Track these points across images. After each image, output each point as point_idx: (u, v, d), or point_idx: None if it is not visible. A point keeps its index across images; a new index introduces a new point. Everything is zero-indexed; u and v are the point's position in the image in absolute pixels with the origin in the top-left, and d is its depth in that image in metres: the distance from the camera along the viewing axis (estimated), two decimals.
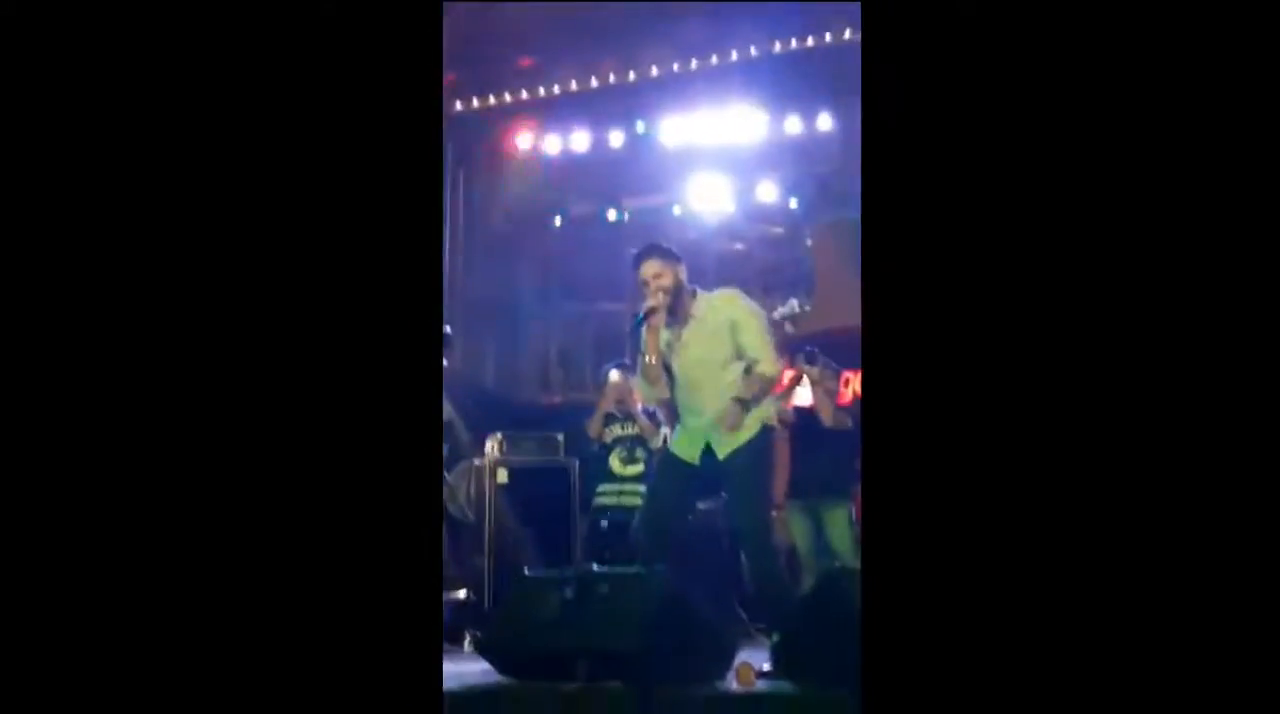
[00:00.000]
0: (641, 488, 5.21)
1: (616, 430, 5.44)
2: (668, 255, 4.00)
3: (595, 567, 3.90)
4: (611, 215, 8.60)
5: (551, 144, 8.04)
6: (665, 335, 3.97)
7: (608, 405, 5.49)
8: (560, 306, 8.82)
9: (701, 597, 3.73)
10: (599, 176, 8.12)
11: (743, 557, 4.58)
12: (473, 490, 6.16)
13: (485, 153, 8.27)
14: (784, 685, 3.41)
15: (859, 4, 2.32)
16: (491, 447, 5.97)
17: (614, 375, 5.43)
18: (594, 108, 7.83)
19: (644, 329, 3.90)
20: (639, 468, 5.38)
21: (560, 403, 7.95)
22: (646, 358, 3.93)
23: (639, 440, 5.39)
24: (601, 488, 5.48)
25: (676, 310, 3.93)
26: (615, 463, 5.45)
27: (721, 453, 3.87)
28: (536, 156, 8.10)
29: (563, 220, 8.57)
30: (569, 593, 3.51)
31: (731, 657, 3.54)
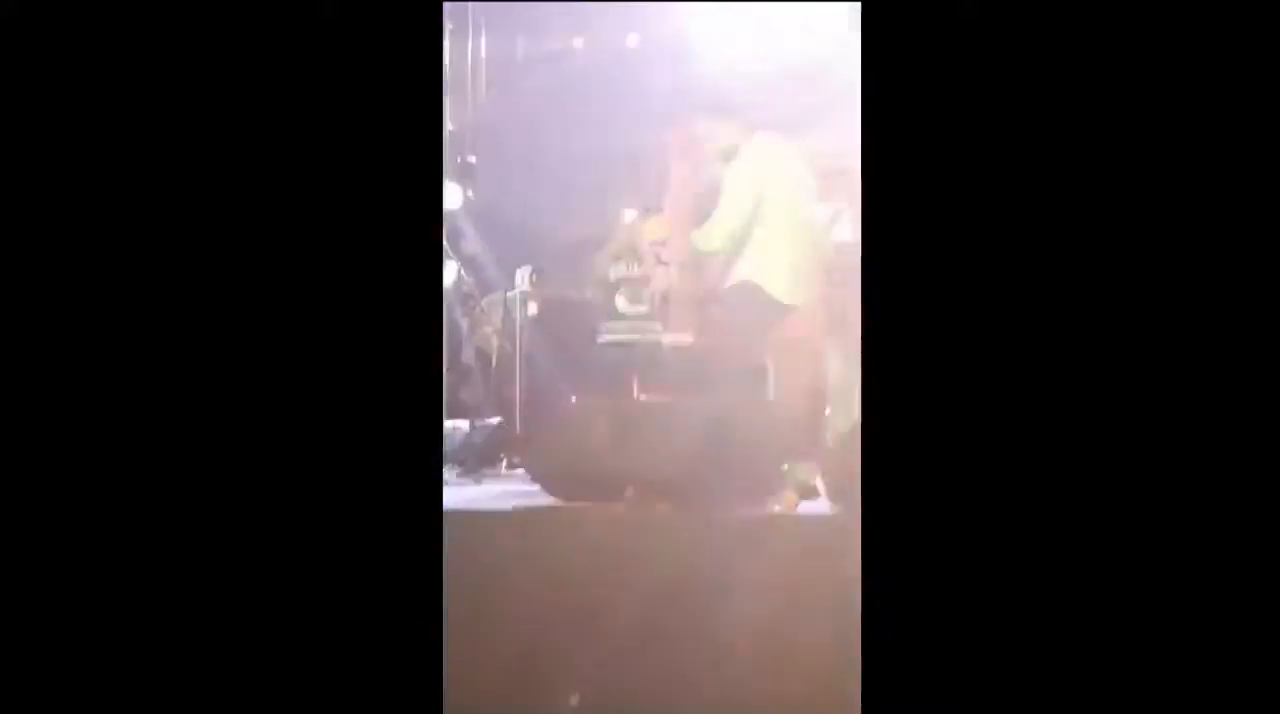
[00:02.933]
0: (646, 325, 5.30)
1: (622, 269, 5.46)
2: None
3: (641, 396, 3.98)
4: (633, 41, 8.42)
5: None
6: None
7: (617, 244, 5.52)
8: (585, 136, 8.70)
9: (744, 422, 3.81)
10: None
11: None
12: (501, 321, 6.24)
13: None
14: (827, 506, 3.51)
15: (859, 4, 2.25)
16: (521, 278, 6.02)
17: (626, 214, 5.42)
18: None
19: None
20: (644, 307, 5.43)
21: (584, 235, 7.95)
22: None
23: (643, 280, 5.42)
24: (607, 325, 5.53)
25: None
26: (620, 301, 5.49)
27: None
28: None
29: (585, 44, 8.38)
30: (617, 420, 3.59)
31: (776, 479, 3.64)
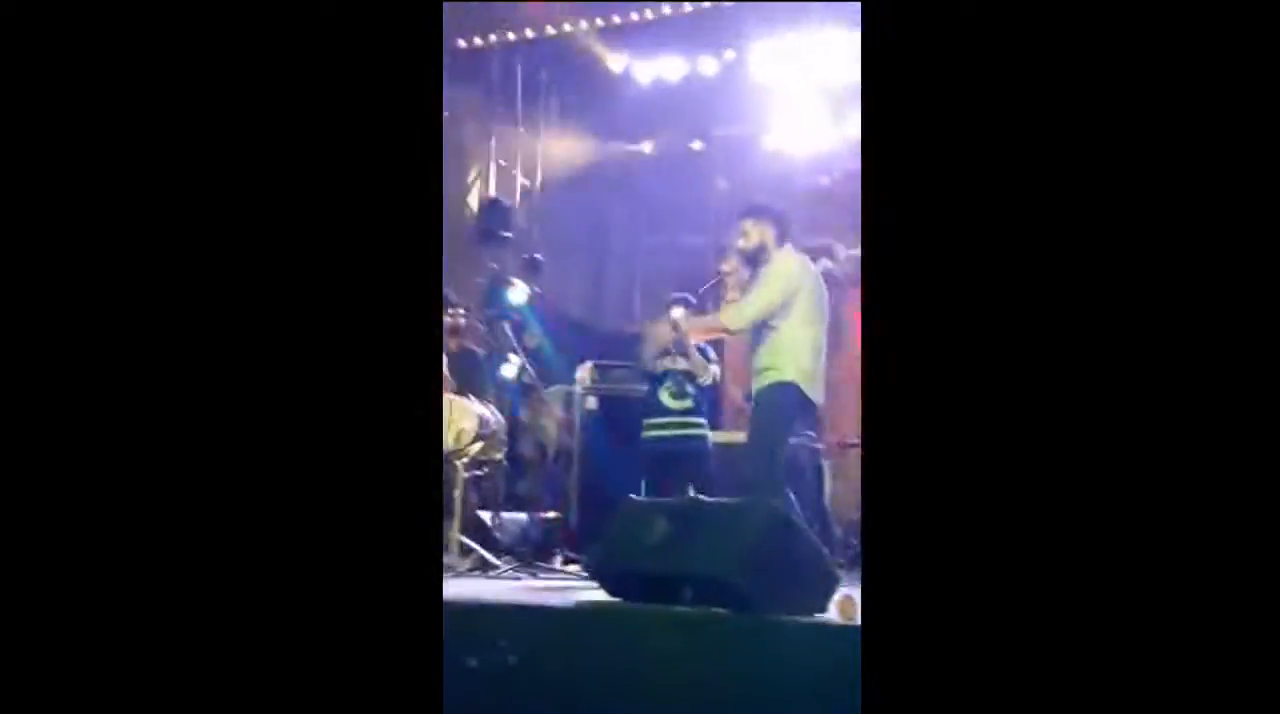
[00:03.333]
0: (690, 420, 5.38)
1: (668, 363, 5.49)
2: (759, 214, 4.47)
3: (700, 496, 3.97)
4: (697, 145, 8.57)
5: (642, 71, 7.99)
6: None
7: (664, 338, 5.56)
8: (644, 237, 8.83)
9: (805, 527, 3.80)
10: (688, 105, 8.06)
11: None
12: (561, 415, 6.30)
13: (576, 77, 8.23)
14: None
15: (859, 4, 2.29)
16: (582, 374, 6.08)
17: (676, 310, 5.48)
18: (683, 32, 7.75)
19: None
20: (688, 402, 5.44)
21: (641, 332, 8.01)
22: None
23: (689, 375, 5.44)
24: (651, 420, 5.55)
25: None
26: (665, 396, 5.50)
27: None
28: (627, 82, 8.07)
29: (653, 148, 8.54)
30: (676, 519, 3.58)
31: (834, 588, 3.61)
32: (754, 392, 4.63)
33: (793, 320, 4.52)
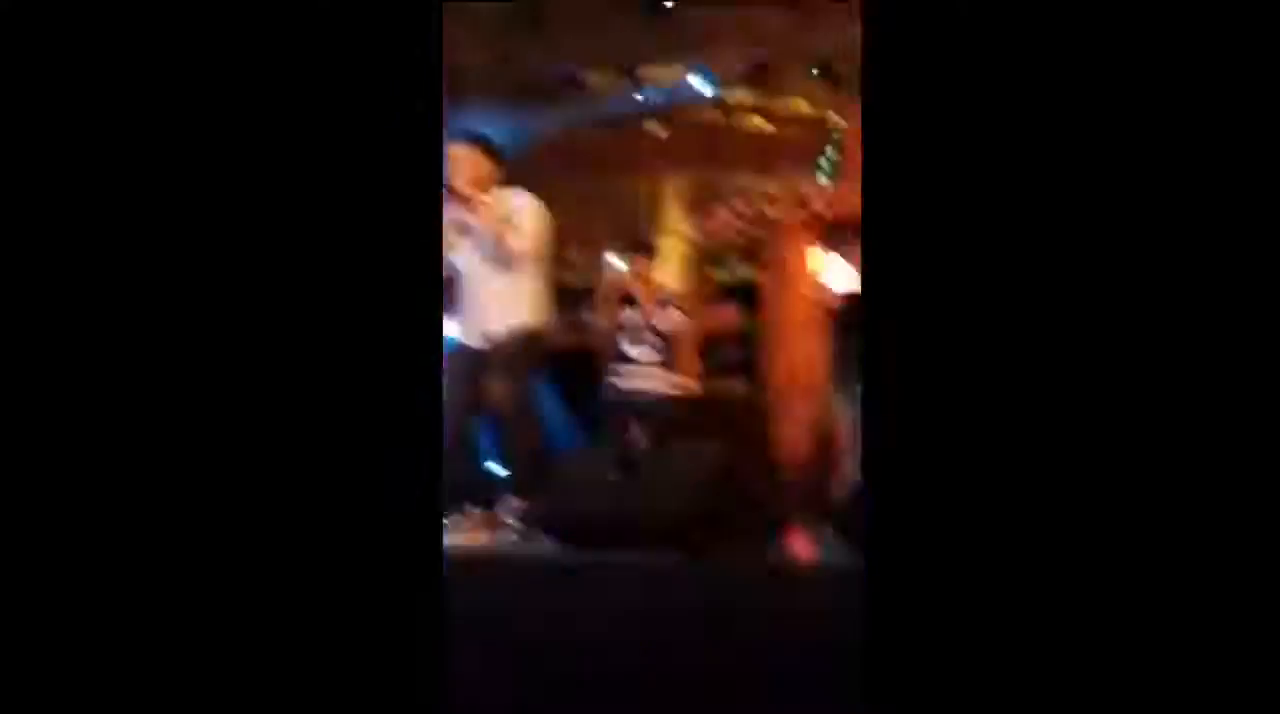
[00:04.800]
0: (651, 371, 5.38)
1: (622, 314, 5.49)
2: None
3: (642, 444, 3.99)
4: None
5: None
6: None
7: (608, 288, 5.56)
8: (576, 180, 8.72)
9: (747, 470, 3.83)
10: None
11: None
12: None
13: None
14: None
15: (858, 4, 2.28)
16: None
17: (613, 258, 5.45)
18: None
19: None
20: (646, 349, 5.45)
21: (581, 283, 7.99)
22: None
23: (643, 325, 5.44)
24: (613, 367, 5.55)
25: None
26: (625, 345, 5.52)
27: None
28: None
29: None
30: (620, 467, 3.60)
31: (778, 529, 3.64)
32: None
33: None
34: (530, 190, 4.58)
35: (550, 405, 6.08)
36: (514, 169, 4.67)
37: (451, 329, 4.61)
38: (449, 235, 4.40)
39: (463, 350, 4.50)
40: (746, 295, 7.31)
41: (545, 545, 3.76)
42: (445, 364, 3.59)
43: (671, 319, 5.60)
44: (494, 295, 4.49)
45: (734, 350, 7.06)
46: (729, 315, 7.27)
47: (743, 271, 7.55)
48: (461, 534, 4.25)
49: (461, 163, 4.44)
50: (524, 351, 4.48)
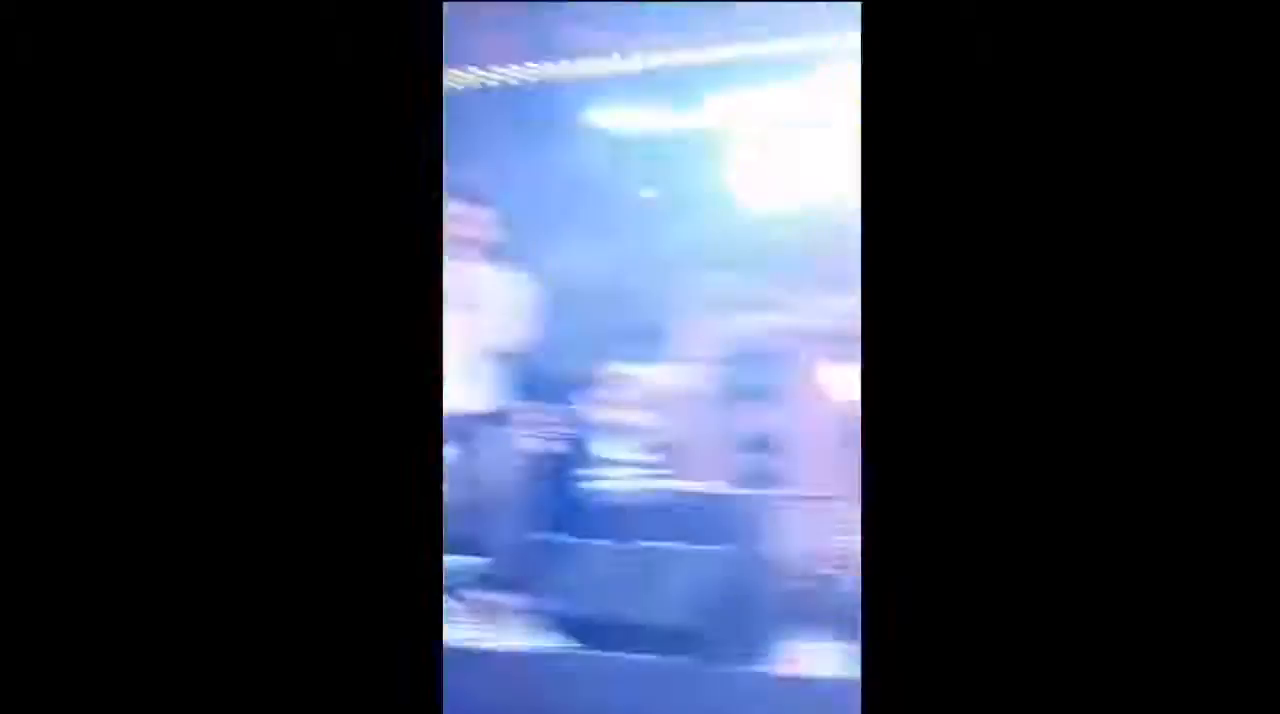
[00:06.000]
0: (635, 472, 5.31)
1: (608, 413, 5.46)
2: None
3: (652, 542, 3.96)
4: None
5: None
6: None
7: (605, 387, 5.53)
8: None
9: (757, 576, 3.80)
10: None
11: None
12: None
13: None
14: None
15: (859, 4, 2.30)
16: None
17: (619, 356, 5.45)
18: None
19: None
20: (630, 454, 5.43)
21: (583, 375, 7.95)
22: None
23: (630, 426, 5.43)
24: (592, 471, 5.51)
25: None
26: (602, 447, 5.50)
27: None
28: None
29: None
30: (632, 565, 3.57)
31: (783, 638, 3.60)
32: None
33: None
34: None
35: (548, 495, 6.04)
36: None
37: None
38: None
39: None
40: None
41: (551, 641, 3.71)
42: None
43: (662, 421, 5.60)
44: None
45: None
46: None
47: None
48: (462, 626, 4.19)
49: None
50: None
